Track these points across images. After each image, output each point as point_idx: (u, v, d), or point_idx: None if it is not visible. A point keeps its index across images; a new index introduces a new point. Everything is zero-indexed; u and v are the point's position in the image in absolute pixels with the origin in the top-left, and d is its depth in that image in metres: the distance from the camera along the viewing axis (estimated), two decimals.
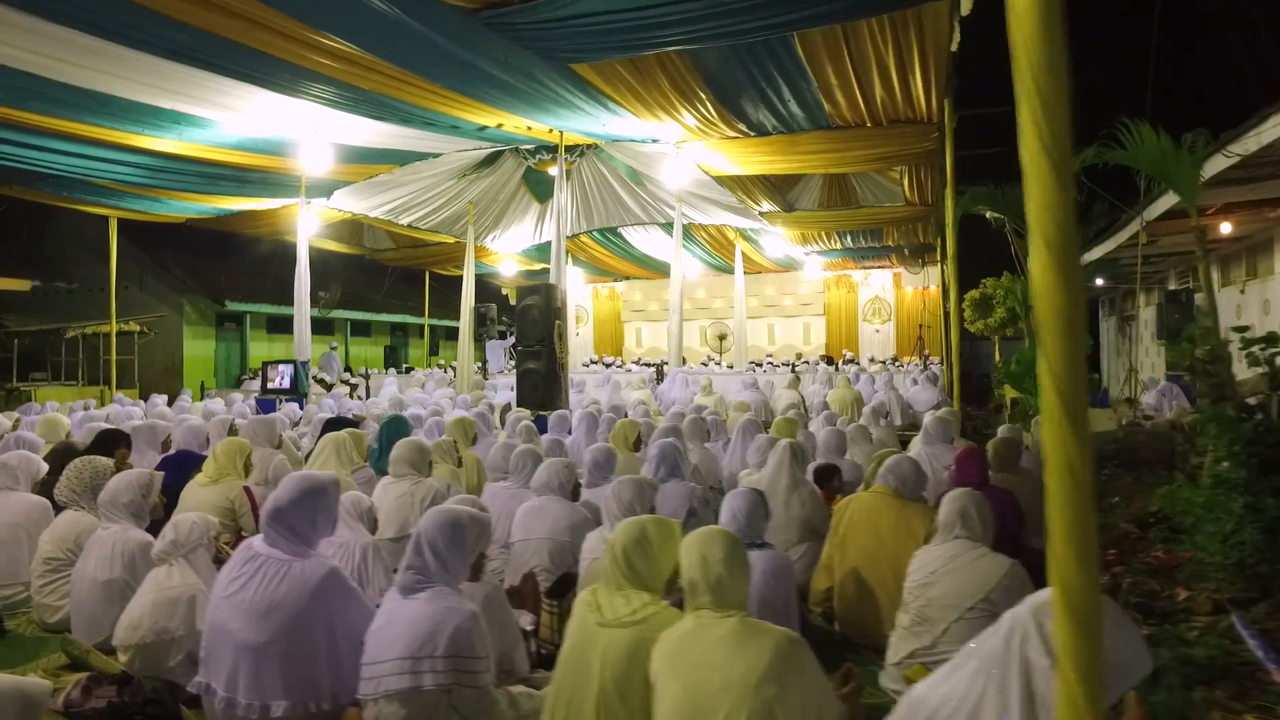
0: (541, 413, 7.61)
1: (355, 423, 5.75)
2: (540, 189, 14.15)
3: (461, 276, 19.28)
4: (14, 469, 3.61)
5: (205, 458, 4.69)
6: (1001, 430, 5.48)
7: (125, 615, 2.58)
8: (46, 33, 5.47)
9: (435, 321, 19.16)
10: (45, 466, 3.73)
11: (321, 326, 15.92)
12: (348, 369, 15.09)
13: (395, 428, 5.29)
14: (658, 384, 12.27)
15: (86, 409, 8.33)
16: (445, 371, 14.31)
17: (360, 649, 2.30)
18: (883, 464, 3.65)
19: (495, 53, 6.03)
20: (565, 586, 3.09)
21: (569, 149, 11.57)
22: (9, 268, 13.02)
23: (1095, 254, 10.62)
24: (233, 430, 6.15)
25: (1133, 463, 5.87)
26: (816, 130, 8.30)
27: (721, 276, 18.63)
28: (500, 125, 8.38)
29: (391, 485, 3.93)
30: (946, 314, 16.19)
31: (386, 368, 17.27)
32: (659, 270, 18.81)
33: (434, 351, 19.26)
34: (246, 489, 4.20)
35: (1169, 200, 7.58)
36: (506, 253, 16.15)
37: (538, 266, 18.05)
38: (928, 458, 4.82)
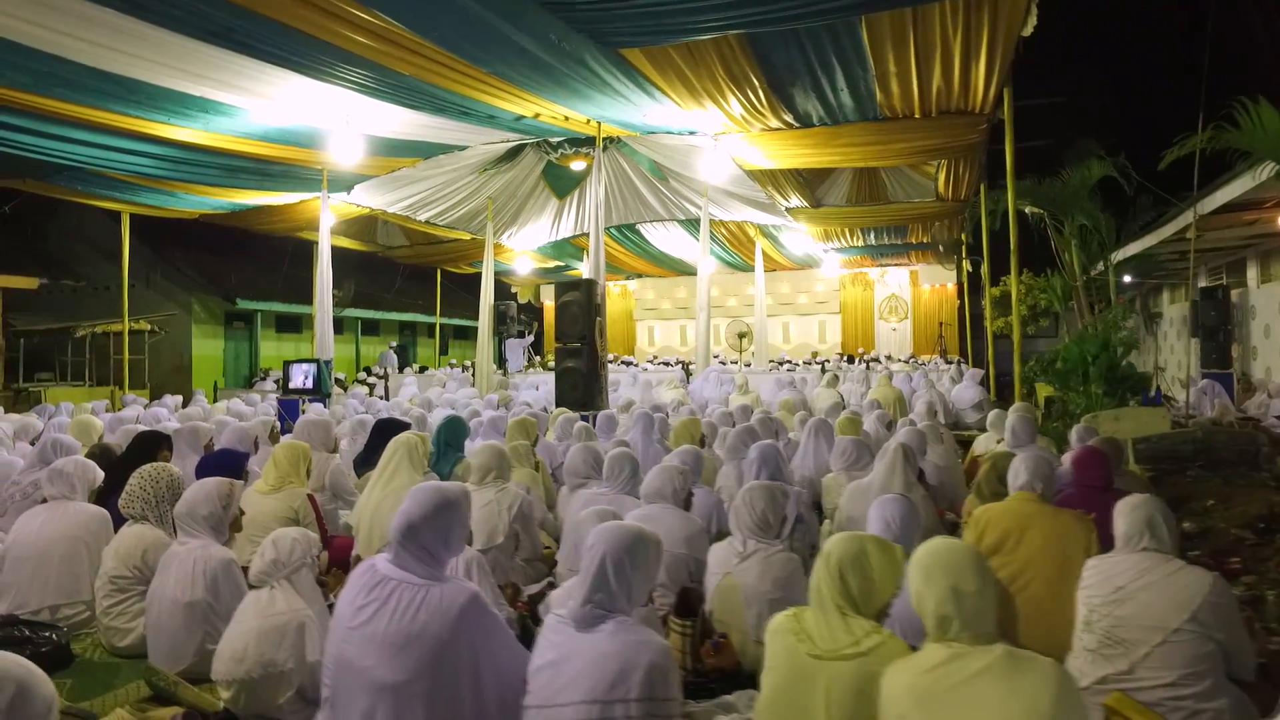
0: (583, 413, 7.35)
1: (407, 425, 5.45)
2: (560, 185, 13.88)
3: (472, 274, 19.12)
4: (70, 476, 3.31)
5: (247, 456, 4.42)
6: (1078, 429, 5.26)
7: (225, 645, 2.30)
8: (79, 12, 5.16)
9: (446, 320, 18.85)
10: (101, 474, 3.43)
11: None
12: (366, 369, 14.76)
13: (453, 430, 5.01)
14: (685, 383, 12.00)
15: (114, 410, 8.00)
16: (465, 371, 14.00)
17: (505, 686, 2.04)
18: (1015, 467, 3.35)
19: (549, 35, 5.75)
20: (693, 605, 2.83)
21: (589, 143, 11.34)
22: (16, 266, 12.65)
23: (1133, 249, 10.42)
24: (274, 433, 5.88)
25: (1215, 464, 5.63)
26: (862, 122, 8.06)
27: (736, 275, 18.40)
28: (538, 116, 8.11)
29: (475, 493, 3.63)
30: (971, 313, 16.05)
31: (399, 367, 16.96)
32: (674, 268, 18.58)
33: (444, 351, 18.95)
34: (310, 496, 3.92)
35: (1230, 192, 7.38)
36: (522, 250, 15.86)
37: (551, 264, 17.80)
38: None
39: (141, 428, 5.23)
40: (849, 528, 3.72)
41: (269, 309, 15.72)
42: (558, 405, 7.90)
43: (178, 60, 6.06)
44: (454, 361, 17.18)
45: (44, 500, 4.11)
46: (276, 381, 14.25)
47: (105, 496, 3.73)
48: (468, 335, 22.65)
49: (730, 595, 2.85)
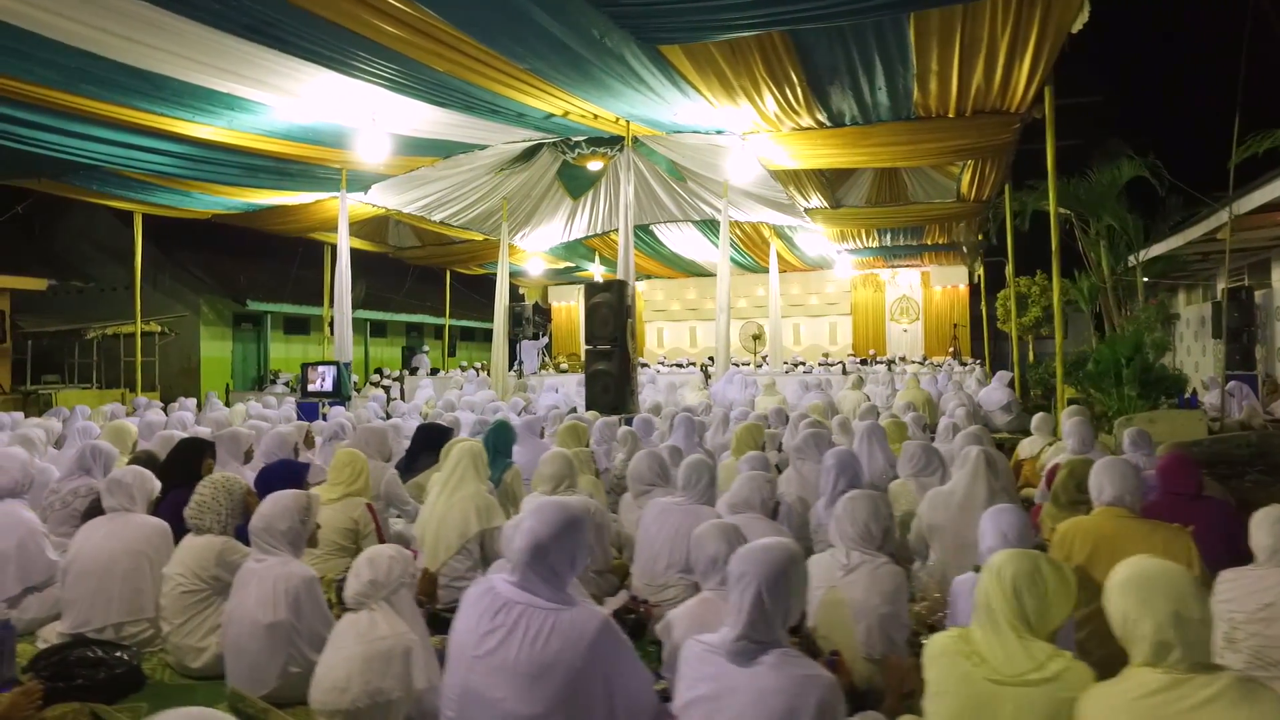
0: (611, 416, 7.21)
1: (450, 430, 5.31)
2: (575, 185, 13.76)
3: (480, 276, 18.99)
4: (130, 487, 3.15)
5: (307, 466, 4.27)
6: (1130, 433, 5.14)
7: (325, 673, 2.15)
8: (118, 8, 5.04)
9: (455, 322, 18.68)
10: (158, 484, 3.28)
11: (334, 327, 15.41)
12: (379, 371, 14.59)
13: (502, 435, 4.87)
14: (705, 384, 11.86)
15: (128, 414, 7.82)
16: (480, 373, 13.84)
17: (635, 711, 1.91)
18: (1098, 479, 3.20)
19: (592, 31, 5.63)
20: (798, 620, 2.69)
21: (608, 143, 11.23)
22: (23, 266, 12.43)
23: (1160, 249, 10.35)
24: (309, 439, 5.73)
25: (1274, 468, 5.53)
26: (895, 122, 7.96)
27: (747, 276, 18.29)
28: (567, 114, 8.00)
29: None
30: (988, 313, 15.97)
31: (405, 369, 16.78)
32: (685, 269, 18.47)
33: (451, 353, 18.77)
34: (369, 506, 3.79)
35: (1270, 192, 7.31)
36: (534, 251, 15.72)
37: (561, 265, 17.66)
38: None
39: (177, 434, 5.07)
40: (934, 537, 3.60)
41: (279, 310, 15.52)
42: (588, 409, 7.77)
43: (208, 56, 5.93)
44: (465, 364, 17.00)
45: (91, 510, 3.99)
46: (286, 384, 14.08)
47: (153, 507, 3.59)
48: (473, 336, 22.49)
49: (836, 610, 2.72)
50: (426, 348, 15.54)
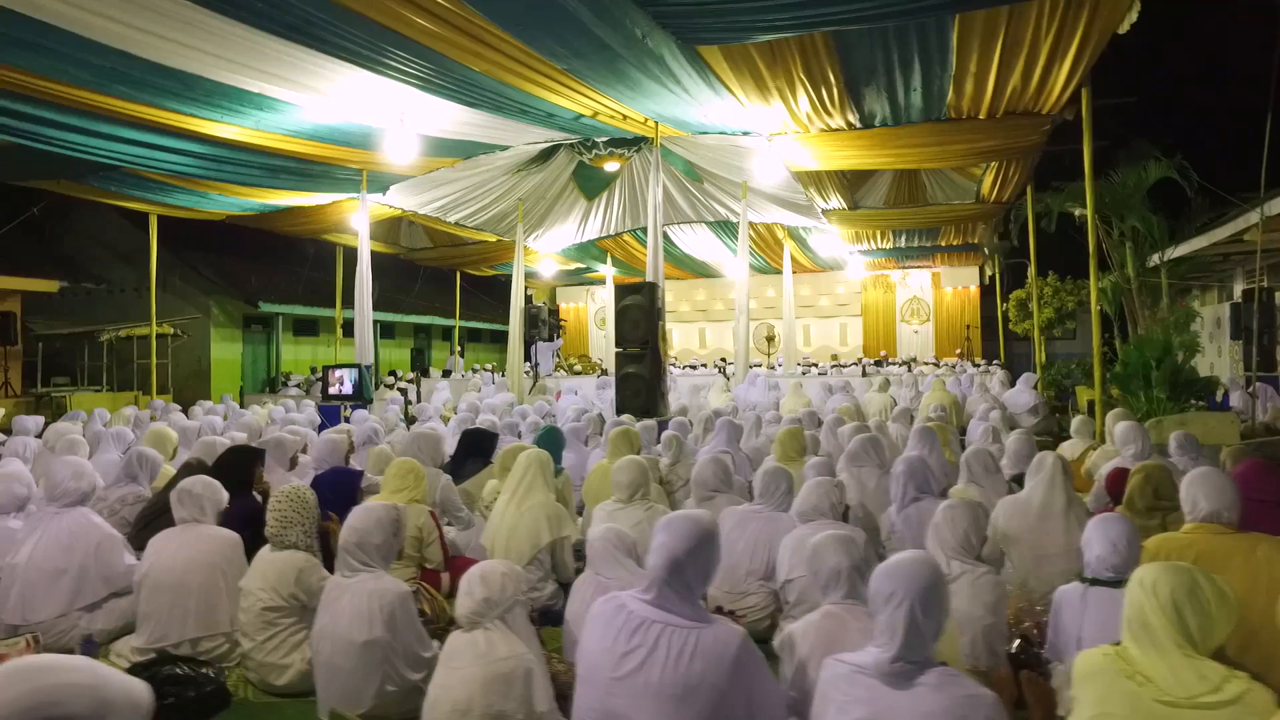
0: (646, 419, 7.15)
1: (495, 435, 5.24)
2: (590, 186, 13.69)
3: (489, 277, 18.91)
4: (200, 498, 3.07)
5: (361, 474, 4.21)
6: (1176, 436, 5.08)
7: (443, 695, 2.07)
8: (158, 7, 4.95)
9: (465, 323, 18.59)
10: (226, 495, 3.20)
11: (348, 328, 15.30)
12: (393, 373, 14.48)
13: (552, 441, 4.81)
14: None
15: (159, 415, 7.71)
16: (498, 375, 13.75)
17: None
18: (1192, 493, 3.08)
19: (635, 31, 5.56)
20: None
21: (626, 144, 11.17)
22: (34, 268, 12.30)
23: (1183, 249, 10.33)
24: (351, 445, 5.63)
25: None
26: (925, 123, 7.91)
27: (757, 277, 18.19)
28: (595, 115, 7.93)
29: (620, 511, 3.45)
30: (1003, 314, 15.95)
31: (413, 369, 16.69)
32: (696, 270, 18.42)
33: (460, 354, 18.69)
34: (432, 514, 3.72)
35: None
36: (546, 252, 15.64)
37: (572, 266, 17.59)
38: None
39: (219, 440, 4.98)
40: (1010, 546, 3.55)
41: (290, 312, 15.40)
42: (618, 412, 7.70)
43: (243, 55, 5.84)
44: (477, 365, 16.91)
45: (145, 517, 3.91)
46: (298, 386, 13.98)
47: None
48: (480, 337, 22.40)
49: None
50: (460, 349, 15.46)
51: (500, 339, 23.46)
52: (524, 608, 2.24)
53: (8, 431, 6.77)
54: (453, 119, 7.95)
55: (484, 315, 20.77)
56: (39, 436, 6.02)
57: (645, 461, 3.66)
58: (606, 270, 17.56)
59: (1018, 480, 4.49)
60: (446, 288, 18.31)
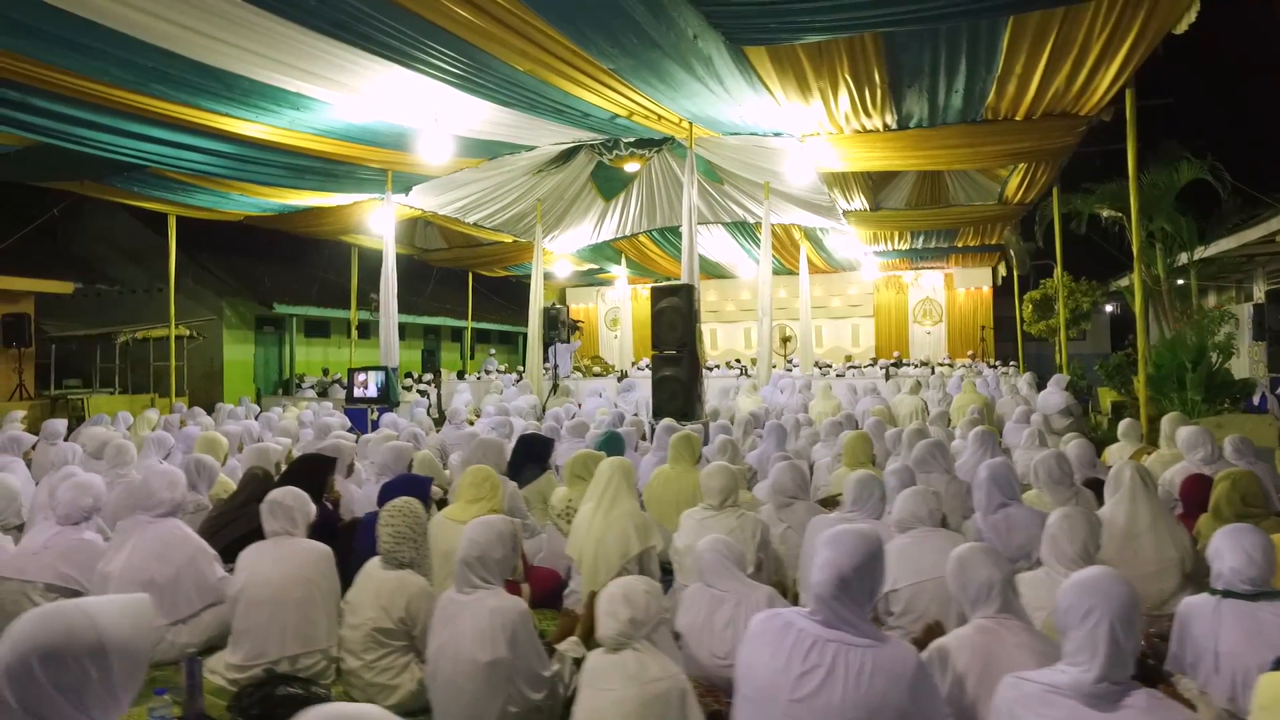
0: (684, 422, 7.08)
1: (551, 440, 5.16)
2: (608, 187, 13.63)
3: (501, 278, 18.81)
4: (291, 510, 2.98)
5: (430, 481, 4.12)
6: (1232, 440, 5.02)
7: (590, 718, 2.00)
8: (209, 6, 4.86)
9: (476, 325, 18.49)
10: (313, 506, 3.11)
11: (362, 330, 15.18)
12: (409, 375, 14.37)
13: (614, 446, 4.74)
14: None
15: (189, 420, 7.60)
16: (514, 377, 13.66)
17: None
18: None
19: (688, 31, 5.51)
20: None
21: (647, 144, 11.11)
22: (46, 270, 12.14)
23: (1209, 251, 10.32)
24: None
25: None
26: (960, 124, 7.87)
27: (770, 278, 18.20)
28: (631, 115, 7.86)
29: (711, 519, 3.38)
30: (1021, 317, 15.93)
31: (425, 371, 16.56)
32: (709, 272, 18.34)
33: (470, 355, 18.59)
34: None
35: None
36: (561, 253, 15.57)
37: (585, 267, 17.52)
38: None
39: (272, 445, 4.89)
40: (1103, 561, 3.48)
41: (303, 313, 15.27)
42: (655, 415, 7.63)
43: (284, 53, 5.76)
44: (490, 368, 16.81)
45: (211, 526, 3.81)
46: (312, 388, 13.84)
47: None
48: (488, 338, 22.29)
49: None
50: (494, 351, 15.30)
51: (508, 340, 23.35)
52: (667, 625, 2.17)
53: (35, 434, 6.65)
54: (483, 119, 7.87)
55: (493, 316, 20.68)
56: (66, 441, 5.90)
57: (735, 468, 3.58)
58: (620, 271, 17.51)
59: (1090, 485, 4.43)
60: (455, 288, 18.22)
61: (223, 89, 6.22)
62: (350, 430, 7.29)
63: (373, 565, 2.73)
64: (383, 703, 2.63)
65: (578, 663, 2.80)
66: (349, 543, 3.67)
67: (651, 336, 7.84)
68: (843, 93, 6.99)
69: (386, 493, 3.88)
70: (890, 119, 7.75)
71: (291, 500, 3.01)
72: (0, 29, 4.79)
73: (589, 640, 3.04)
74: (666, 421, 5.92)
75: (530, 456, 4.93)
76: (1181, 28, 5.55)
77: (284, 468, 4.70)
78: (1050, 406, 9.18)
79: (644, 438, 6.89)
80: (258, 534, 3.97)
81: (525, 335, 23.20)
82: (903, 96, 7.13)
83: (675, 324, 7.53)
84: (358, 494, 4.44)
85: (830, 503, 4.44)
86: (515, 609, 2.42)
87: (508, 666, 2.37)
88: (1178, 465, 4.84)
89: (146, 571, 2.99)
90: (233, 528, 3.83)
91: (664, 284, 8.16)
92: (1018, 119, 7.74)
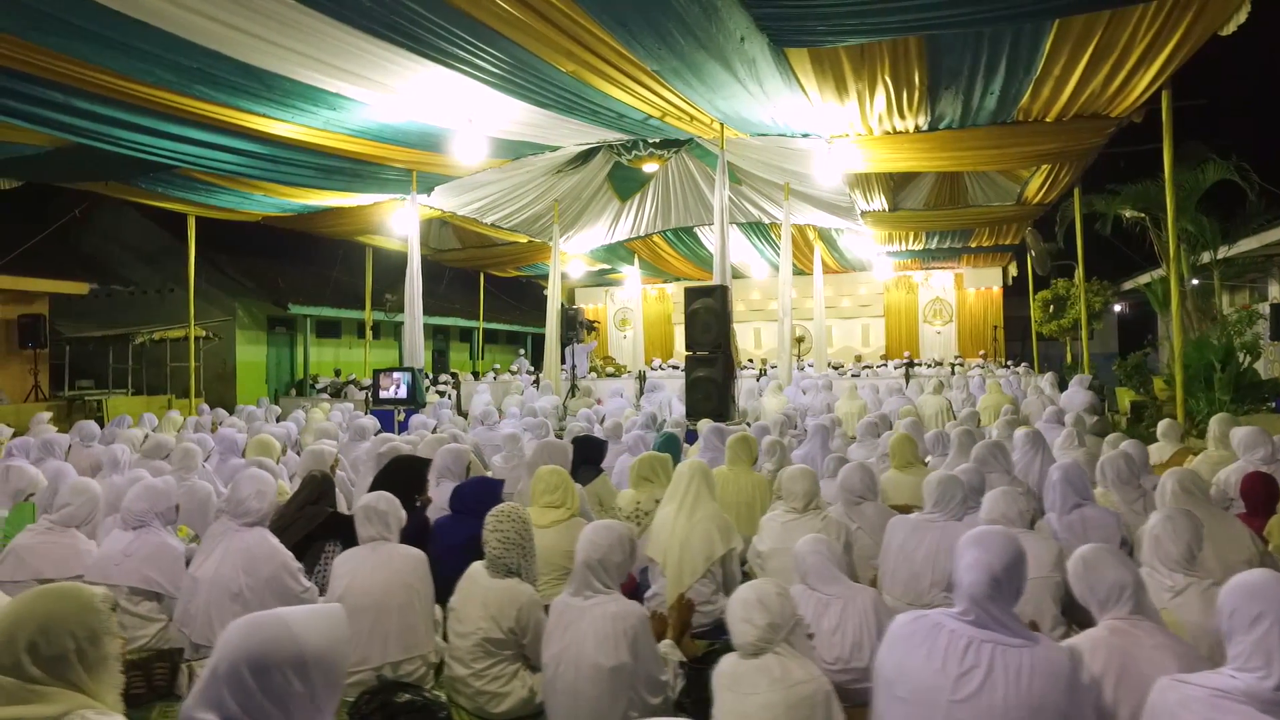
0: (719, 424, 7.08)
1: (604, 442, 5.14)
2: (624, 187, 13.62)
3: (513, 278, 18.78)
4: (385, 515, 2.96)
5: (502, 484, 4.11)
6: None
7: None
8: (258, 6, 4.83)
9: (487, 325, 18.45)
10: (404, 511, 3.10)
11: (375, 330, 15.12)
12: (425, 375, 14.33)
13: (672, 447, 4.73)
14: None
15: (220, 422, 7.56)
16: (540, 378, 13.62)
17: None
18: None
19: (737, 34, 5.51)
20: None
21: (665, 145, 11.11)
22: (62, 270, 12.05)
23: (1231, 251, 10.38)
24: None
25: None
26: (990, 126, 7.89)
27: (776, 278, 18.19)
28: (664, 116, 7.85)
29: (795, 522, 3.38)
30: (1036, 317, 16.00)
31: (437, 372, 16.52)
32: None
33: (479, 356, 18.55)
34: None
35: None
36: (574, 253, 15.55)
37: (597, 267, 17.51)
38: None
39: (328, 447, 4.86)
40: None
41: (318, 314, 15.21)
42: (689, 416, 7.63)
43: (327, 53, 5.74)
44: (497, 366, 16.78)
45: (281, 536, 3.78)
46: (324, 389, 13.79)
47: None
48: (497, 339, 22.26)
49: (1178, 634, 2.61)
50: (522, 351, 15.26)
51: (516, 340, 23.32)
52: (802, 626, 2.16)
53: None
54: (514, 119, 7.86)
55: (503, 316, 20.65)
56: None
57: (813, 471, 3.57)
58: (632, 271, 17.51)
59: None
60: (463, 288, 18.18)
61: (263, 89, 6.19)
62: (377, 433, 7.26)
63: (478, 572, 2.71)
64: (493, 709, 2.62)
65: (680, 665, 2.80)
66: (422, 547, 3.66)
67: (685, 337, 7.83)
68: (880, 94, 7.00)
69: (458, 497, 3.87)
70: (922, 121, 7.77)
71: (385, 505, 2.99)
72: (57, 32, 4.76)
73: (682, 642, 3.05)
74: (713, 424, 5.90)
75: (585, 459, 4.91)
76: (1230, 28, 5.56)
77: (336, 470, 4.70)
78: (1074, 406, 9.21)
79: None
80: (319, 536, 3.98)
81: (532, 335, 23.32)
82: (938, 98, 7.14)
83: (710, 325, 7.53)
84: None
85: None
86: (636, 614, 2.42)
87: (630, 672, 2.36)
88: (1233, 465, 4.85)
89: (235, 583, 2.97)
90: (293, 531, 3.81)
91: (697, 285, 8.16)
92: (1048, 121, 7.78)
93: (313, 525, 3.96)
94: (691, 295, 7.83)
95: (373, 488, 3.79)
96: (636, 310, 19.77)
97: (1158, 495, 3.76)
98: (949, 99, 7.16)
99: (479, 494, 3.88)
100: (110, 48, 5.12)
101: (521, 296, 22.05)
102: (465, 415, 9.87)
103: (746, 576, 3.65)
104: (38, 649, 1.52)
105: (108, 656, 1.61)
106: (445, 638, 3.10)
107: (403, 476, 3.64)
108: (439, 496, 4.36)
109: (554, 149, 9.79)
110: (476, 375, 14.87)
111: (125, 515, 3.34)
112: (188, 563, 3.35)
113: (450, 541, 3.58)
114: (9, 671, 1.54)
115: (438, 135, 7.82)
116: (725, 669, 2.13)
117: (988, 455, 4.54)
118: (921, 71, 6.47)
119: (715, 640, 3.24)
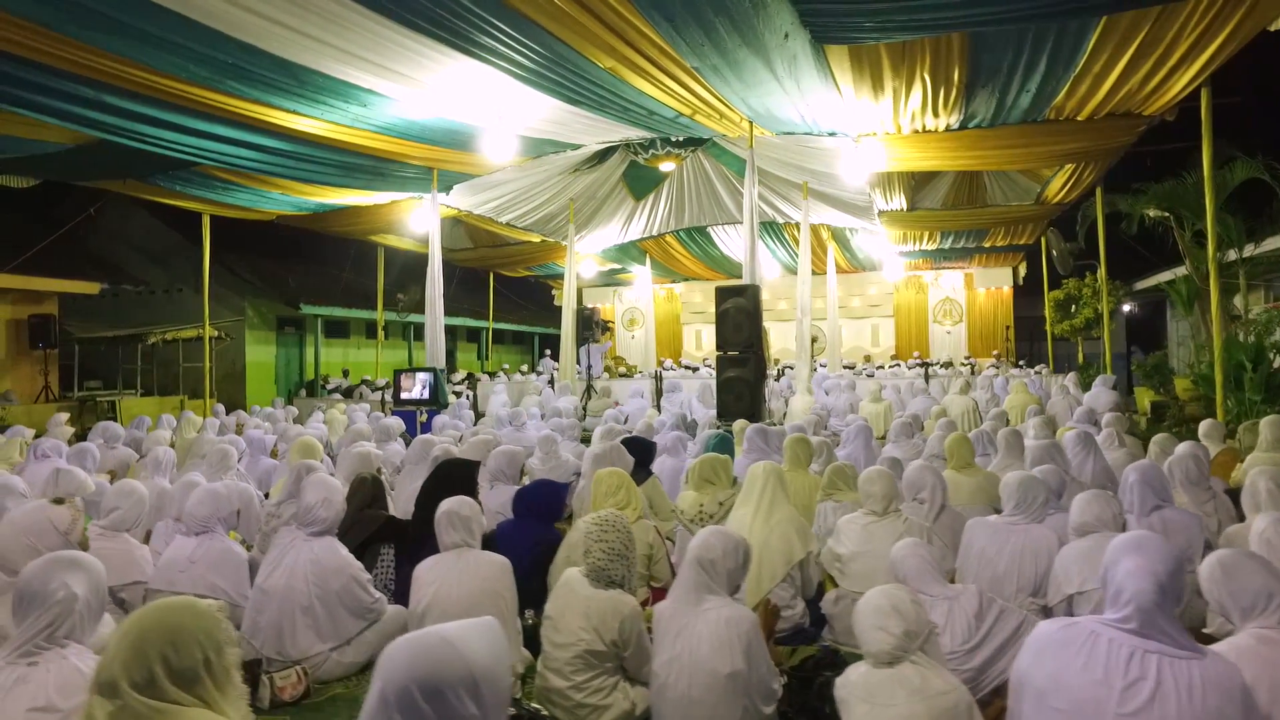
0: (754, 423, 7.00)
1: (653, 444, 5.06)
2: (639, 186, 13.55)
3: (522, 279, 18.67)
4: (468, 520, 2.86)
5: (566, 487, 4.02)
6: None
7: None
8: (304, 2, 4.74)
9: (496, 325, 18.33)
10: (484, 517, 3.01)
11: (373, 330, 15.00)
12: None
13: (726, 447, 4.66)
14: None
15: (242, 427, 7.44)
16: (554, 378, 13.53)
17: None
18: None
19: (781, 30, 5.43)
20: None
21: (681, 144, 11.03)
22: (71, 270, 11.89)
23: (1253, 250, 10.35)
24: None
25: None
26: (1020, 125, 7.83)
27: (789, 278, 18.15)
28: (694, 114, 7.77)
29: (876, 525, 3.30)
30: (1051, 317, 15.95)
31: (450, 372, 16.38)
32: (730, 272, 18.26)
33: (487, 356, 18.44)
34: (657, 530, 3.54)
35: None
36: (586, 252, 15.46)
37: (608, 267, 17.42)
38: None
39: (369, 448, 4.76)
40: None
41: (328, 314, 15.07)
42: (719, 417, 7.56)
43: (359, 47, 5.64)
44: (506, 366, 16.68)
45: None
46: (335, 390, 13.66)
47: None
48: (504, 339, 22.14)
49: None
50: (548, 352, 15.10)
51: (523, 340, 23.20)
52: (936, 634, 2.08)
53: (80, 437, 6.48)
54: (540, 116, 7.76)
55: (510, 317, 20.53)
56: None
57: (890, 474, 3.49)
58: (642, 271, 17.42)
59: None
60: (471, 288, 18.05)
61: (295, 84, 6.09)
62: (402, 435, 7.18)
63: (576, 580, 2.61)
64: None
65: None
66: None
67: (716, 337, 7.75)
68: (916, 91, 6.93)
69: (521, 500, 3.78)
70: (954, 119, 7.71)
71: (468, 511, 2.90)
72: (97, 27, 4.65)
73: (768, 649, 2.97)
74: (755, 425, 5.82)
75: (637, 461, 4.83)
76: (1278, 24, 5.52)
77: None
78: (1101, 406, 9.17)
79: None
80: (375, 540, 3.89)
81: (539, 335, 23.19)
82: (974, 96, 7.08)
83: (741, 325, 7.46)
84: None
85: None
86: (748, 619, 2.34)
87: (745, 678, 2.28)
88: None
89: (306, 595, 2.89)
90: (353, 535, 3.71)
91: (728, 284, 8.08)
92: (1079, 119, 7.72)
93: (371, 529, 3.88)
94: (723, 295, 7.74)
95: (424, 491, 3.71)
96: (646, 310, 19.66)
97: (1246, 496, 3.68)
98: (984, 96, 7.10)
99: (544, 498, 3.80)
100: (147, 43, 5.01)
101: (528, 296, 21.93)
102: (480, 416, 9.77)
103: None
104: (169, 662, 1.48)
105: (230, 667, 1.57)
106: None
107: (455, 480, 3.55)
108: (492, 500, 4.28)
109: (576, 147, 9.69)
110: (491, 375, 14.75)
111: (188, 521, 3.24)
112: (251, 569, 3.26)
113: (516, 546, 3.49)
114: (142, 689, 1.47)
115: (461, 132, 7.72)
116: (856, 679, 2.05)
117: (1045, 456, 4.48)
118: (961, 69, 6.40)
119: (794, 646, 3.16)
